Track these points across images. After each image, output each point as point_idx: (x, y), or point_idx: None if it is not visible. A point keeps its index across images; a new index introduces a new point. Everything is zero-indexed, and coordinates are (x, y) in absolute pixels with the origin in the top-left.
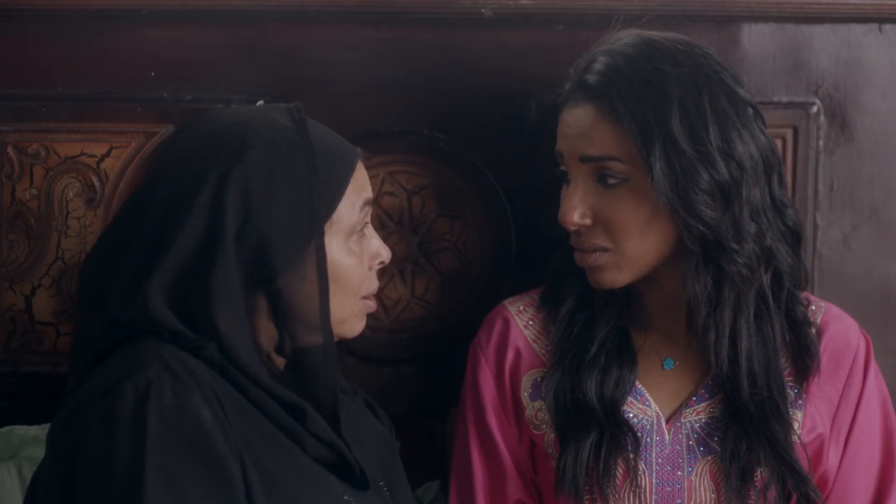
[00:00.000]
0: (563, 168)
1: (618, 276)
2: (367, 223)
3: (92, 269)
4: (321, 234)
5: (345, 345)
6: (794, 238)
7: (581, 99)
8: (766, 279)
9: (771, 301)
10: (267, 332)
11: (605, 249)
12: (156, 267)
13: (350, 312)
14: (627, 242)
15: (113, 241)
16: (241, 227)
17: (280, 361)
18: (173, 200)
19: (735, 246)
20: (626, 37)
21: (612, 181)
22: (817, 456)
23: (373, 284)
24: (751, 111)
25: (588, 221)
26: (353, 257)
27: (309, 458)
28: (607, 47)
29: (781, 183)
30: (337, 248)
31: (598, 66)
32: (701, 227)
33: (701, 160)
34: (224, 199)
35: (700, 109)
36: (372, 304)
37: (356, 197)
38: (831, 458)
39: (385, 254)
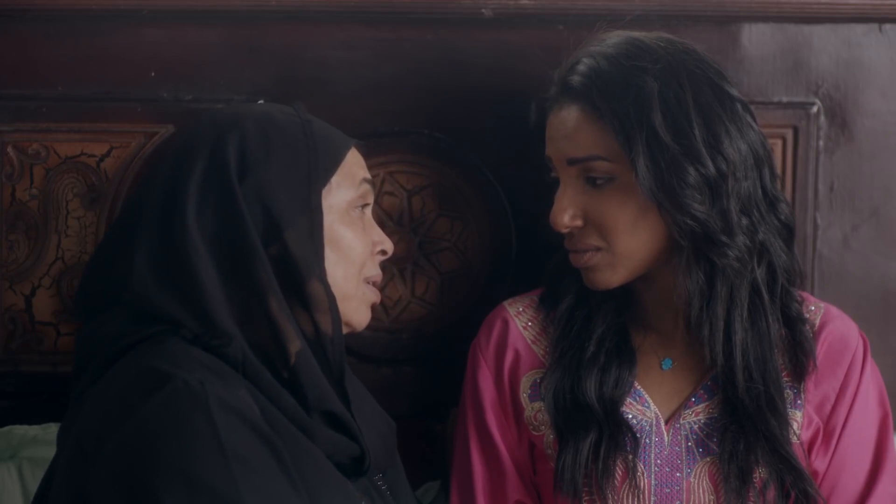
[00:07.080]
0: (554, 175)
1: (612, 276)
2: (367, 203)
3: (95, 273)
4: (318, 193)
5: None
6: (788, 233)
7: (565, 102)
8: (759, 273)
9: (765, 295)
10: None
11: (598, 249)
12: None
13: (354, 291)
14: (619, 241)
15: (115, 244)
16: (239, 182)
17: (294, 346)
18: (171, 181)
19: (725, 239)
20: (609, 37)
21: (599, 181)
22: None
23: (375, 269)
24: (739, 106)
25: (579, 223)
26: (355, 228)
27: (326, 459)
28: (589, 49)
29: (773, 178)
30: (337, 215)
31: (580, 67)
32: (689, 221)
33: (685, 154)
34: (224, 158)
35: (682, 104)
36: (376, 294)
37: (354, 171)
38: (823, 455)
39: (388, 244)
